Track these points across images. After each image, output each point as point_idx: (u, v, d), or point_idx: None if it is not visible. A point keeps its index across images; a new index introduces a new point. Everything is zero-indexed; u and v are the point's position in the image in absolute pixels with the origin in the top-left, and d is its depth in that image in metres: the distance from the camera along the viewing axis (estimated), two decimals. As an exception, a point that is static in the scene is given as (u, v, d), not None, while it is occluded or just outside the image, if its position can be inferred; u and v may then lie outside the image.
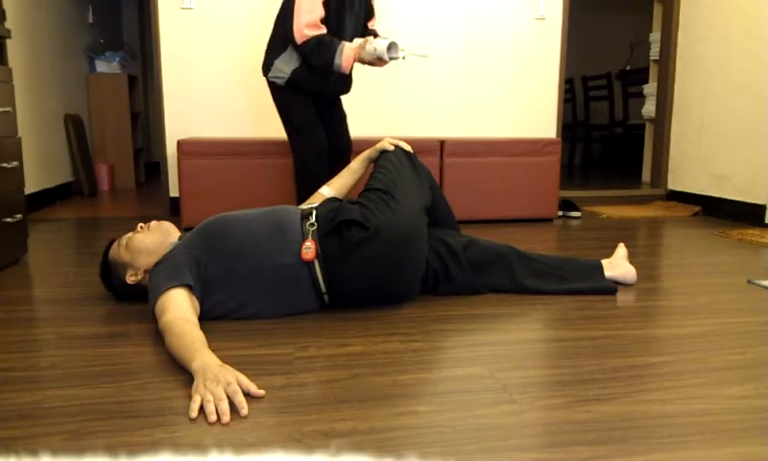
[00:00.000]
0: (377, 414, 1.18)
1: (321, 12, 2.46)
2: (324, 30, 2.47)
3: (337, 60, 2.46)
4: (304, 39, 2.44)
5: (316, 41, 2.44)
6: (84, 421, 1.15)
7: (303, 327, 1.68)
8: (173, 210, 3.65)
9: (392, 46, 2.39)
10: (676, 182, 4.17)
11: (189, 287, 1.58)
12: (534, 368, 1.41)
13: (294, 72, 2.57)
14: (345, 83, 2.73)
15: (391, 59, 2.41)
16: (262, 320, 1.72)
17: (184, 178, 3.14)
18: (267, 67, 2.65)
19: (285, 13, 2.54)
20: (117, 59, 5.04)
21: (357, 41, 2.51)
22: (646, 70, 5.23)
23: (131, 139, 5.09)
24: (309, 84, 2.59)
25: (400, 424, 1.14)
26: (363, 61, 2.50)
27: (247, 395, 1.23)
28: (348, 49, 2.47)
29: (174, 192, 3.67)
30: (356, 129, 3.64)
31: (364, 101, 3.80)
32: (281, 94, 2.66)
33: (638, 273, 2.21)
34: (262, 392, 1.25)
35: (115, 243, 1.86)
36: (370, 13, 2.77)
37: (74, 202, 4.27)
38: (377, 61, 2.48)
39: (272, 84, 2.66)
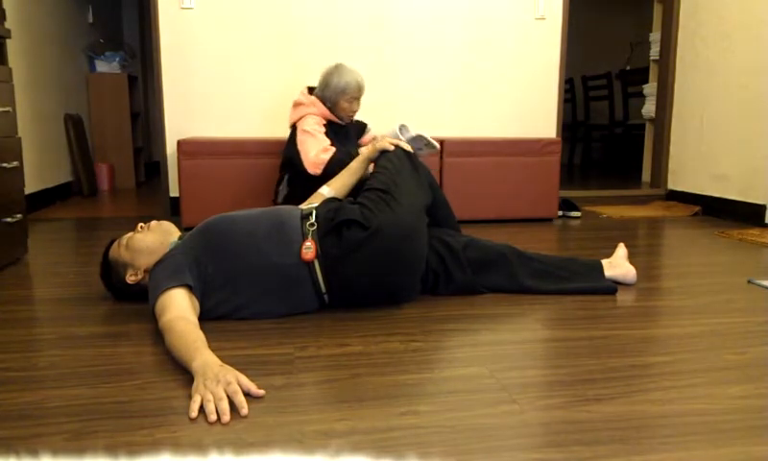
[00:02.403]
0: (377, 414, 1.18)
1: (327, 140, 2.62)
2: (333, 149, 2.58)
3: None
4: (323, 165, 2.53)
5: (336, 160, 2.51)
6: (84, 421, 1.15)
7: (303, 327, 1.68)
8: (173, 210, 3.65)
9: (402, 128, 2.43)
10: (676, 182, 4.17)
11: (189, 287, 1.58)
12: (534, 368, 1.41)
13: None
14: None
15: (409, 140, 2.34)
16: (262, 320, 1.72)
17: (184, 178, 3.14)
18: (275, 196, 2.77)
19: (290, 159, 2.67)
20: (117, 59, 5.04)
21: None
22: (646, 70, 5.23)
23: (131, 139, 5.10)
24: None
25: (400, 424, 1.14)
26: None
27: (247, 395, 1.23)
28: (364, 149, 2.53)
29: (174, 192, 3.67)
30: (356, 129, 3.64)
31: (364, 101, 3.79)
32: (292, 191, 2.70)
33: (638, 273, 2.21)
34: (262, 392, 1.25)
35: (115, 243, 1.86)
36: (361, 133, 2.92)
37: (74, 202, 4.27)
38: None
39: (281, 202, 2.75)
